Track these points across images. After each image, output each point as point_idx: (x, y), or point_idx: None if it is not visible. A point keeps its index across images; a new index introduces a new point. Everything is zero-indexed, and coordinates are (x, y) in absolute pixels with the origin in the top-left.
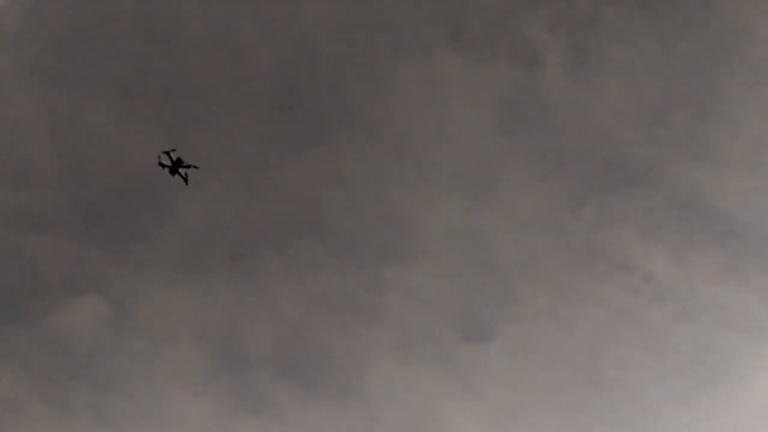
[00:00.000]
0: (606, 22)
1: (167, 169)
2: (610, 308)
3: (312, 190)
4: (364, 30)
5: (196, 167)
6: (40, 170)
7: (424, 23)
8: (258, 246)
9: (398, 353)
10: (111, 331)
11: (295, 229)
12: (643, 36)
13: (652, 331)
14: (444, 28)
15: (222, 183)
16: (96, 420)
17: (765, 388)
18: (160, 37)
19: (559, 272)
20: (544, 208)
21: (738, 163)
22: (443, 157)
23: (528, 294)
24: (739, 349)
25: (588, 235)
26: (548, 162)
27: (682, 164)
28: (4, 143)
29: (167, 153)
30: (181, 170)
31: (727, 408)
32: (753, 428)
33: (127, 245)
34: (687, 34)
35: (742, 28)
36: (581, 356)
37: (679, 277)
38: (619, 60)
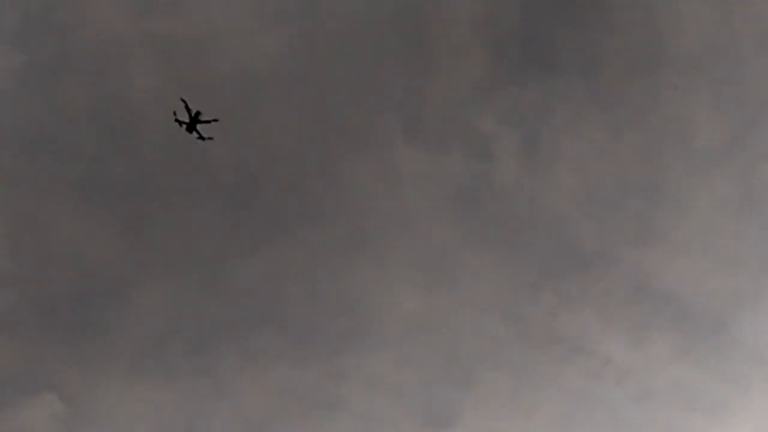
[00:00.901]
0: (557, 115)
1: (184, 126)
2: (571, 391)
3: (271, 282)
4: (321, 126)
5: (215, 120)
6: None
7: (381, 119)
8: (217, 338)
9: None
10: (65, 428)
11: (255, 321)
12: (593, 127)
13: (613, 412)
14: (400, 124)
15: (181, 276)
16: None
17: None
18: (117, 135)
19: (520, 357)
20: (502, 294)
21: (688, 246)
22: (402, 247)
23: (489, 380)
24: (698, 427)
25: (546, 321)
26: (505, 250)
27: (635, 249)
28: None
29: (185, 105)
30: (199, 128)
31: None
32: None
33: (84, 341)
34: (635, 125)
35: (687, 120)
36: None
37: (637, 359)
38: (571, 151)
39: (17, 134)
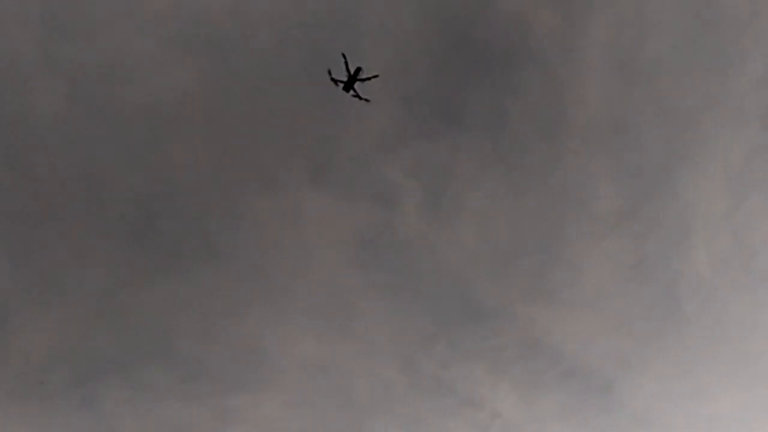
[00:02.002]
0: (461, 171)
1: (341, 85)
2: None
3: (163, 316)
4: (225, 163)
5: (376, 76)
6: None
7: (288, 161)
8: (103, 371)
9: None
10: None
11: (144, 356)
12: (495, 185)
13: None
14: (307, 167)
15: (69, 306)
16: None
17: None
18: (10, 159)
19: (411, 406)
20: (398, 343)
21: (581, 307)
22: (301, 290)
23: (379, 427)
24: None
25: (438, 371)
26: (403, 299)
27: (529, 306)
28: None
29: (345, 61)
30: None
31: None
32: None
33: None
34: (535, 186)
35: (585, 185)
36: None
37: (525, 415)
38: (473, 206)
39: None
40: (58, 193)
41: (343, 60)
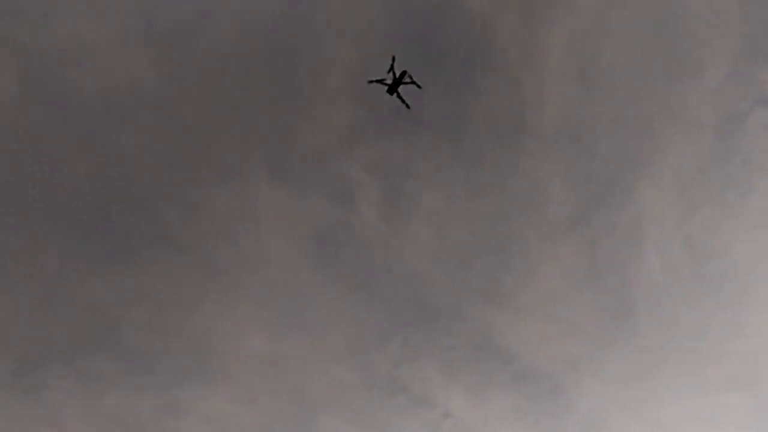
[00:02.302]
0: (419, 170)
1: (386, 88)
2: None
3: (113, 306)
4: (182, 154)
5: (419, 86)
6: None
7: (247, 155)
8: (48, 360)
9: None
10: None
11: (91, 345)
12: (453, 186)
13: None
14: (266, 161)
15: (14, 292)
16: None
17: None
18: None
19: (362, 404)
20: (351, 341)
21: (534, 311)
22: (254, 285)
23: (330, 424)
24: None
25: (391, 370)
26: (358, 297)
27: (483, 308)
28: None
29: (392, 63)
30: (399, 87)
31: None
32: None
33: None
34: (492, 188)
35: (542, 189)
36: None
37: (475, 415)
38: (430, 206)
39: None
40: (6, 177)
41: (390, 62)
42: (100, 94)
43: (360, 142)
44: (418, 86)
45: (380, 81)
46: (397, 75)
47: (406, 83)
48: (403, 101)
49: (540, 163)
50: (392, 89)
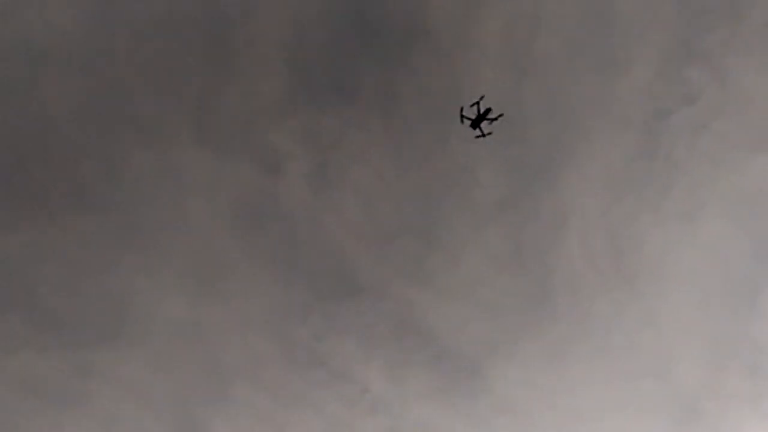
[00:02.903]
0: (349, 144)
1: (469, 123)
2: (325, 416)
3: (26, 263)
4: (105, 111)
5: (501, 116)
6: None
7: (173, 117)
8: None
9: None
10: None
11: (0, 303)
12: (382, 163)
13: None
14: (193, 125)
15: None
16: None
17: None
18: None
19: (280, 376)
20: (271, 312)
21: (456, 292)
22: (176, 250)
23: (246, 395)
24: None
25: (311, 343)
26: (281, 268)
27: (406, 287)
28: None
29: (476, 103)
30: (482, 122)
31: None
32: None
33: None
34: (421, 167)
35: (470, 172)
36: None
37: (393, 392)
38: (358, 181)
39: None
40: None
41: (477, 101)
42: (19, 45)
43: (290, 112)
44: (500, 115)
45: (466, 117)
46: (482, 112)
47: (490, 120)
48: (482, 133)
49: (470, 146)
50: (475, 124)
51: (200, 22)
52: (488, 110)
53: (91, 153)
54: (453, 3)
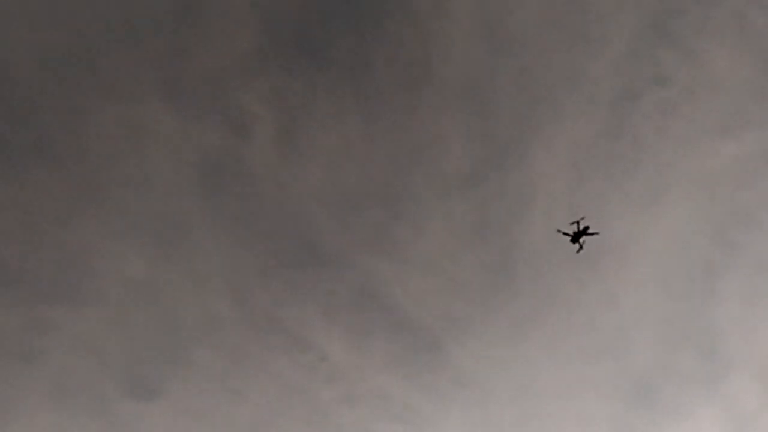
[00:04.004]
0: (318, 109)
1: (568, 237)
2: (282, 382)
3: None
4: (69, 62)
5: (597, 233)
6: None
7: (138, 71)
8: None
9: (54, 401)
10: None
11: None
12: (350, 130)
13: (320, 410)
14: (158, 80)
15: None
16: None
17: None
18: None
19: (238, 340)
20: (232, 275)
21: (419, 264)
22: (135, 206)
23: (203, 358)
24: None
25: (271, 308)
26: (242, 231)
27: (369, 256)
28: None
29: (576, 222)
30: (581, 239)
31: None
32: None
33: None
34: (390, 137)
35: (439, 143)
36: (248, 427)
37: (352, 361)
38: (325, 147)
39: None
40: None
41: (577, 221)
42: None
43: (260, 73)
44: (597, 233)
45: (565, 233)
46: (580, 229)
47: (589, 234)
48: (581, 247)
49: (440, 117)
50: (575, 239)
51: None
52: (587, 228)
53: (52, 103)
54: None
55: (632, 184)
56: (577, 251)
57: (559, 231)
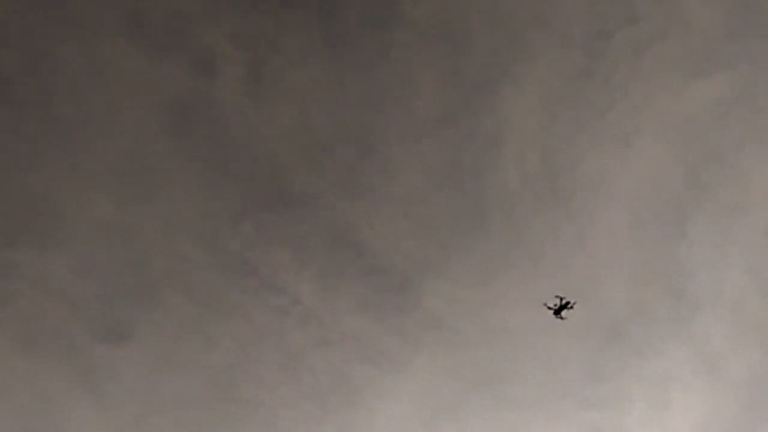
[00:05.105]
0: (288, 47)
1: (551, 311)
2: (255, 326)
3: None
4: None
5: (575, 303)
6: None
7: (100, 5)
8: None
9: (20, 346)
10: None
11: None
12: (320, 69)
13: (292, 354)
14: (121, 17)
15: None
16: None
17: (387, 417)
18: None
19: (209, 284)
20: (201, 218)
21: (391, 207)
22: (101, 147)
23: (173, 301)
24: (370, 380)
25: (242, 252)
26: (212, 173)
27: (340, 199)
28: None
29: (560, 298)
30: (562, 311)
31: None
32: None
33: None
34: (360, 76)
35: (410, 83)
36: (221, 371)
37: (324, 304)
38: (294, 86)
39: None
40: None
41: (561, 298)
42: None
43: (227, 12)
44: (575, 303)
45: (548, 307)
46: (563, 303)
47: (569, 308)
48: (561, 318)
49: (411, 56)
50: (557, 313)
51: None
52: (568, 302)
53: (13, 42)
54: None
55: (604, 125)
56: (559, 318)
57: (545, 305)
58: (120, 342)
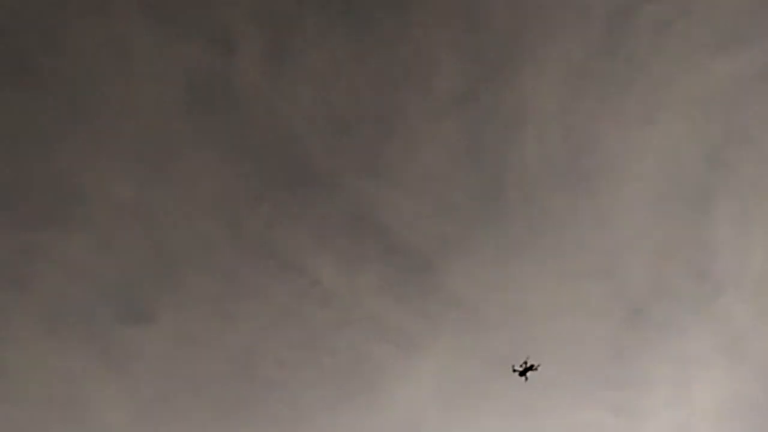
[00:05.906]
0: (307, 26)
1: (517, 373)
2: (275, 307)
3: None
4: None
5: (539, 365)
6: None
7: None
8: None
9: (46, 327)
10: None
11: None
12: (340, 47)
13: (313, 334)
14: None
15: None
16: None
17: (407, 398)
18: None
19: (230, 265)
20: (221, 198)
21: (411, 186)
22: (123, 127)
23: (195, 282)
24: (390, 360)
25: (262, 232)
26: (232, 153)
27: (360, 178)
28: None
29: (525, 363)
30: (527, 373)
31: (372, 413)
32: None
33: None
34: (379, 54)
35: (429, 61)
36: (241, 351)
37: (344, 285)
38: (314, 66)
39: None
40: None
41: (525, 364)
42: None
43: None
44: (539, 365)
45: (515, 369)
46: (528, 366)
47: (534, 370)
48: (526, 378)
49: (430, 34)
50: (522, 374)
51: None
52: (532, 366)
53: (34, 22)
54: None
55: (626, 103)
56: (526, 379)
57: (514, 369)
58: (142, 322)
